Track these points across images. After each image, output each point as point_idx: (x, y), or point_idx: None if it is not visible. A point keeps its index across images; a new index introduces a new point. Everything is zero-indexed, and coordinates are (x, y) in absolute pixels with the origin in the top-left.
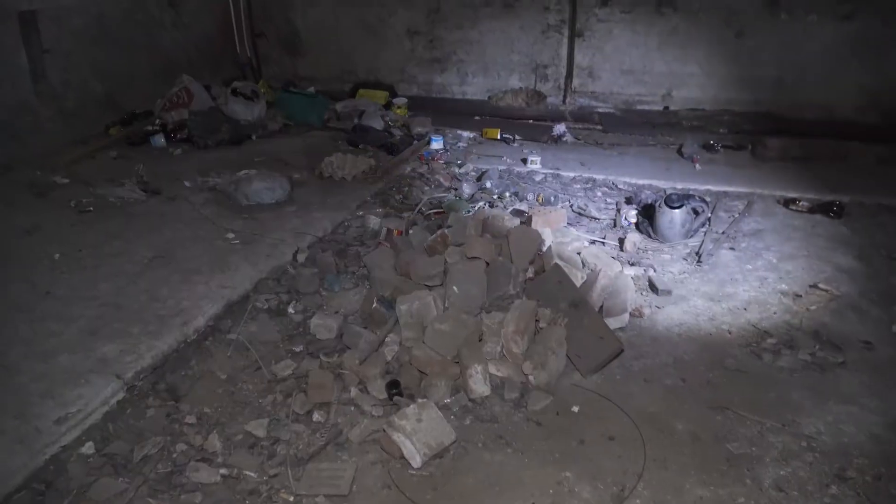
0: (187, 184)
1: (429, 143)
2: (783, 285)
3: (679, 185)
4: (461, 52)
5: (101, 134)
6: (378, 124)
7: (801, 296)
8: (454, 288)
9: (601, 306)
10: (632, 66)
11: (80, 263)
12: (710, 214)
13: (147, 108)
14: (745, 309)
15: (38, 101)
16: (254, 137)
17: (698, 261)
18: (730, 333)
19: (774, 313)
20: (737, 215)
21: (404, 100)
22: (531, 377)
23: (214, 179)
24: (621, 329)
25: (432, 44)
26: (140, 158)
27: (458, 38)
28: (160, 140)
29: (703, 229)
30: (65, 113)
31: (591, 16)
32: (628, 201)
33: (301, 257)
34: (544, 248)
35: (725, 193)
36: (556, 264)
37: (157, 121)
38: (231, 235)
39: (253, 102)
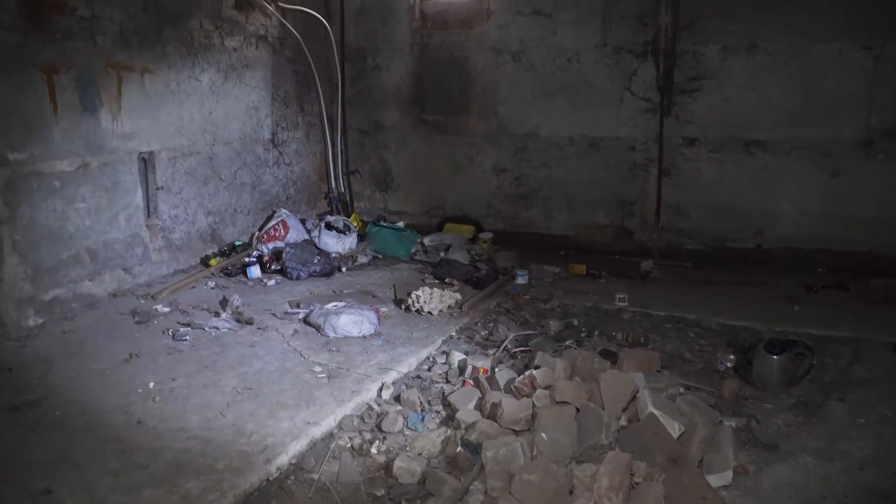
0: (278, 315)
1: (514, 277)
2: None
3: (777, 328)
4: (546, 189)
5: (202, 264)
6: (464, 258)
7: None
8: (543, 435)
9: (700, 460)
10: (721, 203)
11: (172, 393)
12: (814, 361)
13: (245, 239)
14: (860, 469)
15: (148, 233)
16: (343, 270)
17: (805, 412)
18: (846, 496)
19: (895, 474)
20: (844, 363)
21: (490, 234)
22: None
23: (304, 311)
24: (724, 487)
25: (518, 181)
26: (235, 289)
27: (543, 176)
28: (255, 271)
29: (808, 377)
30: (171, 245)
31: (677, 155)
32: (724, 344)
33: (386, 394)
34: (637, 395)
35: (829, 338)
36: (652, 413)
37: (254, 252)
38: (318, 369)
39: (344, 235)
